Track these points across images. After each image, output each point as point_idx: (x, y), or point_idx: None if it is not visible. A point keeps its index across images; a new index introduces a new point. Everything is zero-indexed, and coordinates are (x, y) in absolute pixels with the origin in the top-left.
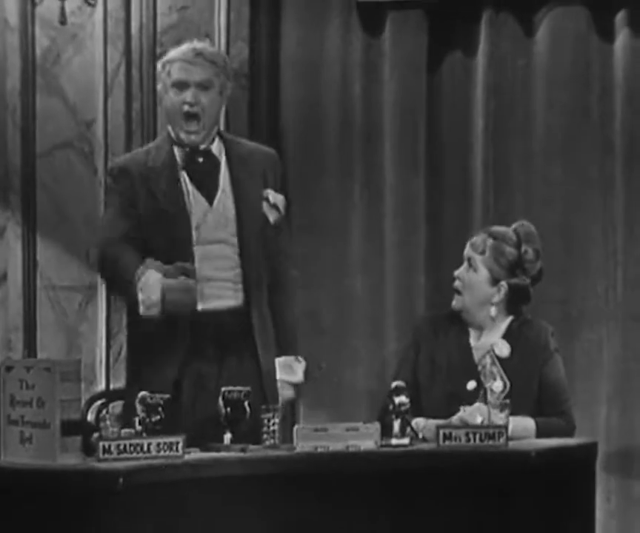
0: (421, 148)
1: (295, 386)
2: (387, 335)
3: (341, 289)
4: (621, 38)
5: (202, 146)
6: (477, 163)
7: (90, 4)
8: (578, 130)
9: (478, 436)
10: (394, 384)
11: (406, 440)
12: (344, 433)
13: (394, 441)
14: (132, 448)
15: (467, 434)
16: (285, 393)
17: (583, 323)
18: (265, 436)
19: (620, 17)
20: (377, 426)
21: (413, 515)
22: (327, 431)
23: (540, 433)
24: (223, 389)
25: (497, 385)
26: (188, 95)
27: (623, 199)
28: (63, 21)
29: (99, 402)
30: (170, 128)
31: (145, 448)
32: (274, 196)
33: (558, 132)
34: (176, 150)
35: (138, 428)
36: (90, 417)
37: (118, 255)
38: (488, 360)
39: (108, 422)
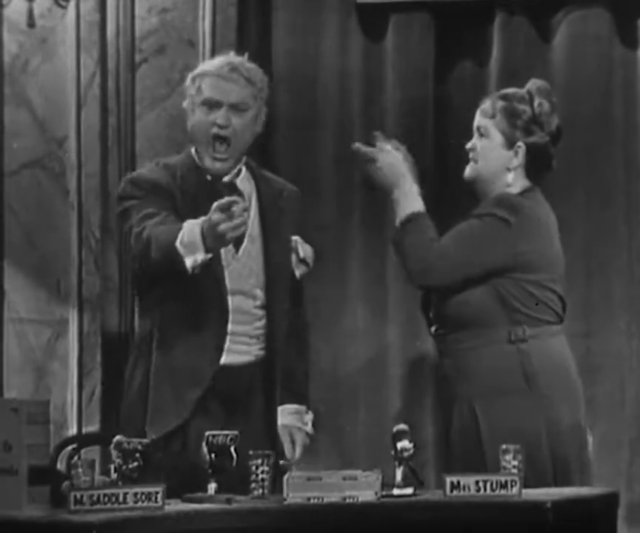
0: (427, 165)
1: (307, 435)
2: (390, 374)
3: (339, 324)
4: None
5: (226, 178)
6: None
7: (60, 6)
8: (599, 147)
9: (488, 485)
10: (396, 428)
11: (409, 490)
12: (340, 482)
13: (396, 491)
14: (106, 498)
15: (476, 483)
16: (301, 439)
17: (604, 360)
18: (253, 485)
19: None
20: (377, 474)
21: None
22: (322, 481)
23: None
24: (207, 433)
25: None
26: (219, 115)
27: None
28: (31, 23)
29: (70, 447)
30: (192, 151)
31: (121, 498)
32: (303, 248)
33: (577, 149)
34: (201, 179)
35: (114, 476)
36: (60, 464)
37: (162, 229)
38: None
39: (80, 469)
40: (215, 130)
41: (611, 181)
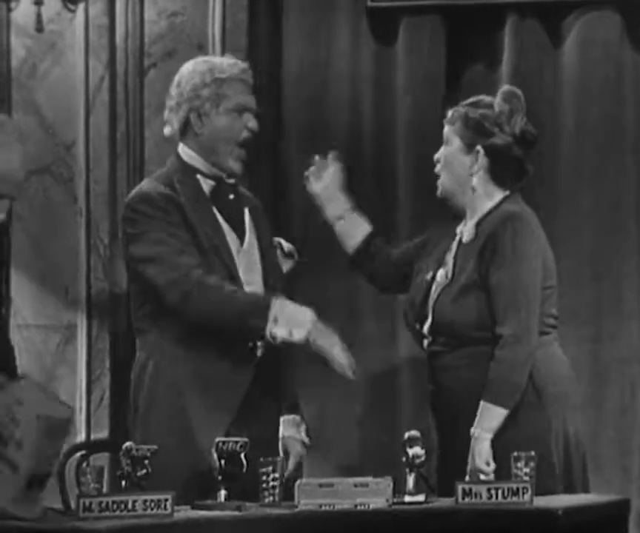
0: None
1: (303, 444)
2: (400, 381)
3: (353, 331)
4: None
5: (230, 181)
6: None
7: (69, 10)
8: (610, 152)
9: (500, 492)
10: (407, 434)
11: (421, 497)
12: (351, 489)
13: (408, 498)
14: (115, 505)
15: (488, 491)
16: (297, 449)
17: (614, 365)
18: (264, 492)
19: None
20: (389, 481)
21: None
22: (333, 487)
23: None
24: (217, 439)
25: (441, 272)
26: (251, 120)
27: None
28: (40, 27)
29: (79, 454)
30: (191, 153)
31: (130, 505)
32: (287, 244)
33: (588, 153)
34: (202, 181)
35: (122, 483)
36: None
37: (229, 288)
38: (454, 245)
39: (89, 476)
40: (245, 134)
41: (621, 185)
